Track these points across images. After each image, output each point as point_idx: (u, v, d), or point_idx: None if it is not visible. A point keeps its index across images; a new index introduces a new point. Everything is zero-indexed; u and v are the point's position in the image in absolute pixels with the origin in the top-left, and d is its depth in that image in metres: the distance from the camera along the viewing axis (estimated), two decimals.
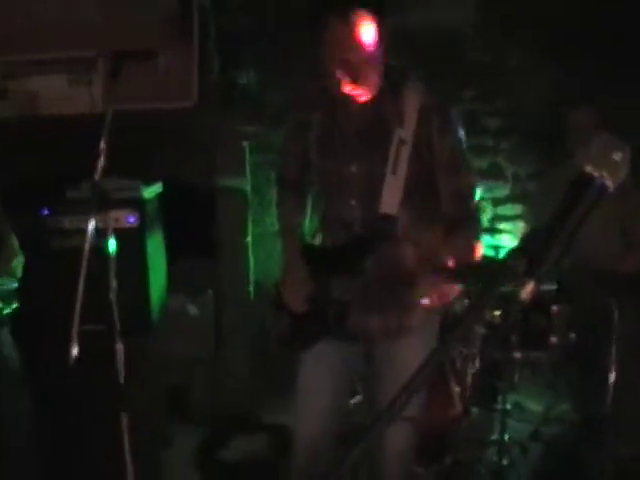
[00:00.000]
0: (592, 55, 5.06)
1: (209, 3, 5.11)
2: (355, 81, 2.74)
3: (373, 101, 2.86)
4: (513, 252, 1.42)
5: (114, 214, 3.77)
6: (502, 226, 5.70)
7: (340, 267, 2.99)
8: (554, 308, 4.16)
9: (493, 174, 5.67)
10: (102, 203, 3.38)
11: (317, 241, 3.24)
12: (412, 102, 2.85)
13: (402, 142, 2.82)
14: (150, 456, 4.00)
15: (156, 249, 4.76)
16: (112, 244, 3.37)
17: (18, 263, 3.88)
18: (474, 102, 5.40)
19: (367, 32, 2.68)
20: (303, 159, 3.12)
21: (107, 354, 3.36)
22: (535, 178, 5.48)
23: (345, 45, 2.67)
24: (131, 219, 4.44)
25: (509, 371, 4.25)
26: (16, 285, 3.84)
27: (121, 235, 3.63)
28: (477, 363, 4.26)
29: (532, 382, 4.68)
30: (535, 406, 4.85)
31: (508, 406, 4.27)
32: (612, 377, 3.97)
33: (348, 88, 2.78)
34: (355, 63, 2.70)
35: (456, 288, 2.84)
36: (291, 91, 4.72)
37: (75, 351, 3.19)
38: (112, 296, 3.35)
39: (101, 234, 3.39)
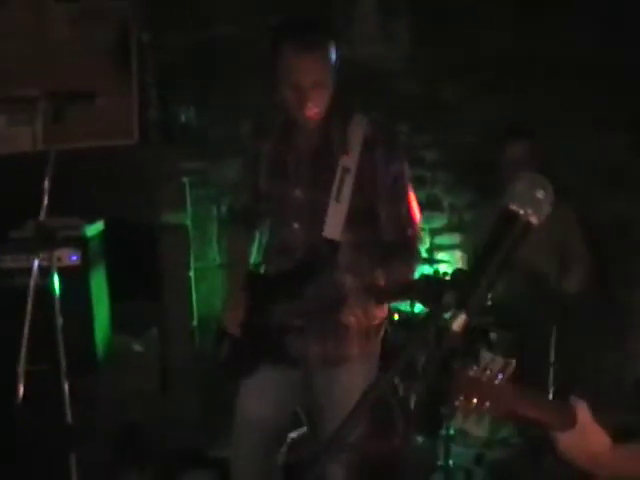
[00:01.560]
0: (527, 87, 5.21)
1: (148, 39, 5.14)
2: (304, 106, 2.83)
3: (321, 129, 2.95)
4: (444, 287, 1.50)
5: (58, 253, 3.76)
6: (440, 255, 5.80)
7: (280, 293, 3.03)
8: (492, 334, 4.24)
9: (430, 205, 5.77)
10: (46, 242, 3.40)
11: (261, 270, 3.29)
12: (358, 132, 2.94)
13: (346, 170, 2.90)
14: None
15: (100, 287, 4.75)
16: (56, 283, 3.39)
17: None
18: (410, 135, 5.50)
19: (319, 58, 2.81)
20: (255, 192, 3.17)
21: (54, 393, 3.36)
22: (471, 208, 5.58)
23: (297, 70, 2.78)
24: (74, 257, 4.43)
25: (451, 397, 4.31)
26: None
27: (65, 274, 3.65)
28: (419, 390, 4.31)
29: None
30: (478, 431, 4.92)
31: (452, 432, 4.34)
32: (550, 397, 4.06)
33: (296, 114, 2.88)
34: (305, 88, 2.79)
35: (384, 309, 2.96)
36: (239, 126, 4.80)
37: (21, 391, 3.20)
38: (58, 335, 3.35)
39: (44, 273, 3.40)
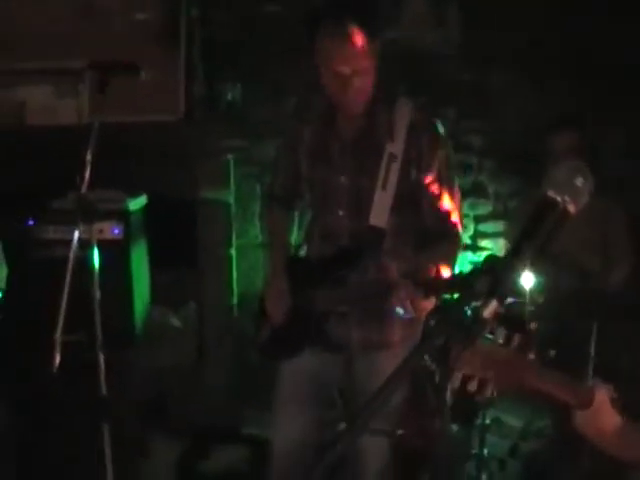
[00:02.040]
0: (579, 79, 5.13)
1: (196, 14, 5.13)
2: (345, 94, 2.80)
3: (365, 114, 2.91)
4: (476, 272, 1.47)
5: (98, 225, 3.78)
6: (483, 243, 5.75)
7: (323, 278, 3.01)
8: (532, 325, 4.19)
9: (476, 192, 5.72)
10: (87, 214, 3.41)
11: (302, 253, 3.27)
12: (403, 118, 2.91)
13: (393, 157, 2.88)
14: (131, 467, 4.01)
15: (140, 261, 4.78)
16: (95, 255, 3.39)
17: (2, 274, 3.90)
18: (457, 121, 5.45)
19: (358, 45, 2.73)
20: (294, 173, 3.16)
21: (89, 365, 3.37)
22: (516, 196, 5.53)
23: (336, 58, 2.73)
24: (116, 231, 4.46)
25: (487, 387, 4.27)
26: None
27: (105, 246, 3.66)
28: (456, 379, 4.28)
29: (511, 398, 4.71)
30: (514, 422, 4.88)
31: (487, 421, 4.30)
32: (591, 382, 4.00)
33: (339, 100, 2.86)
34: (346, 76, 2.75)
35: (432, 301, 2.86)
36: (283, 105, 4.78)
37: (57, 361, 3.22)
38: (95, 307, 3.36)
39: (85, 245, 3.41)
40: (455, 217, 3.05)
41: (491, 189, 5.72)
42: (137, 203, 4.73)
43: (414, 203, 2.99)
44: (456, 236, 3.09)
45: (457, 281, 2.84)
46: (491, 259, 1.48)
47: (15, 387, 4.09)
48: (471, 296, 1.44)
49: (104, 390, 3.37)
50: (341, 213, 3.02)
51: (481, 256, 5.81)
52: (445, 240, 3.04)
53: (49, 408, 4.11)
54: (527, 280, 3.92)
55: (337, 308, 3.01)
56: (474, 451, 4.37)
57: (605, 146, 4.80)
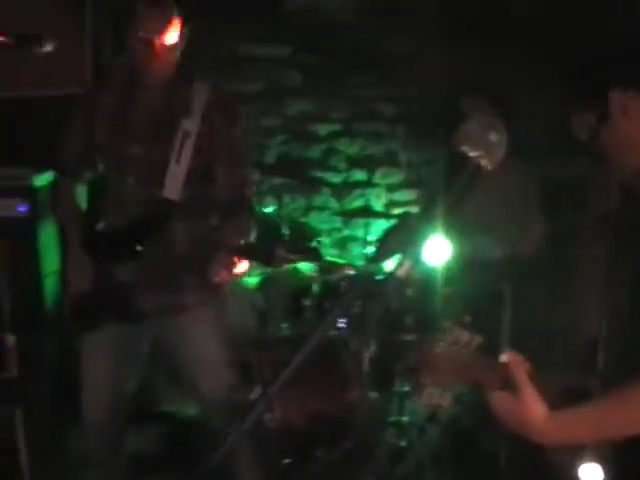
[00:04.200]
0: (487, 42, 5.16)
1: None
2: (155, 60, 3.00)
3: (165, 88, 3.13)
4: (389, 230, 1.45)
5: (4, 202, 3.68)
6: (396, 211, 5.76)
7: (120, 251, 3.15)
8: (447, 290, 4.23)
9: (387, 160, 5.73)
10: None
11: (97, 225, 3.36)
12: (200, 96, 3.13)
13: (187, 133, 3.09)
14: (47, 454, 3.93)
15: (49, 239, 4.65)
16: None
17: None
18: (366, 88, 5.44)
19: (172, 21, 3.01)
20: (88, 140, 3.25)
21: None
22: (428, 164, 5.55)
23: (152, 28, 2.97)
24: (21, 208, 4.33)
25: (405, 353, 4.30)
26: None
27: (12, 224, 3.55)
28: (373, 346, 4.30)
29: None
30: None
31: (406, 388, 4.33)
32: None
33: (144, 67, 3.05)
34: (157, 45, 2.97)
35: (245, 265, 3.11)
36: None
37: None
38: (3, 287, 3.29)
39: None
40: (249, 191, 3.32)
41: (403, 157, 5.73)
42: (44, 179, 4.59)
43: (209, 177, 3.21)
44: (249, 209, 3.33)
45: (257, 248, 3.12)
46: (405, 217, 1.46)
47: None
48: (384, 253, 1.42)
49: (15, 373, 3.29)
50: (131, 181, 3.16)
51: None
52: (240, 213, 3.25)
53: None
54: (442, 246, 3.94)
55: (135, 278, 3.13)
56: (393, 418, 4.40)
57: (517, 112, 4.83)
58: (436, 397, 1.74)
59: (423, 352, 1.70)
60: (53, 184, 4.65)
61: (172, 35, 3.01)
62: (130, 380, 3.42)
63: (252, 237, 3.24)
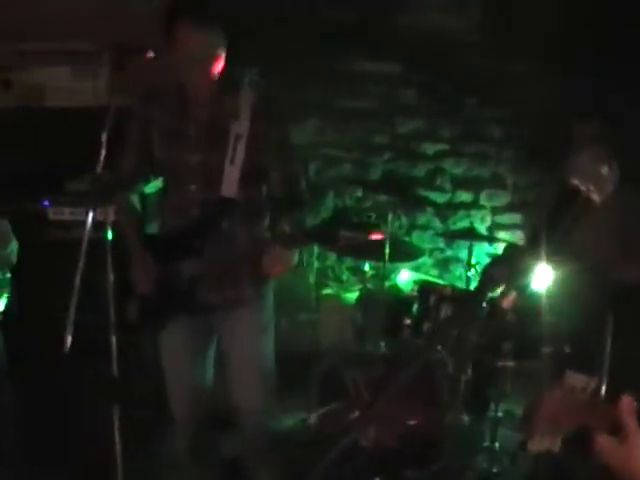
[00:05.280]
0: (600, 68, 5.07)
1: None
2: (203, 75, 3.16)
3: (213, 97, 3.27)
4: (495, 261, 1.44)
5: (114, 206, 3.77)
6: (500, 234, 5.71)
7: (182, 249, 3.30)
8: (547, 319, 4.16)
9: (494, 182, 5.68)
10: (101, 195, 3.40)
11: (154, 230, 3.58)
12: (247, 100, 3.29)
13: (238, 136, 3.25)
14: (142, 450, 4.00)
15: None
16: (109, 237, 3.39)
17: (13, 248, 3.92)
18: (477, 109, 5.41)
19: (212, 38, 3.13)
20: (144, 155, 3.40)
21: (101, 347, 3.37)
22: (535, 188, 5.48)
23: (201, 48, 3.11)
24: None
25: (501, 379, 4.26)
26: (9, 275, 3.86)
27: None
28: (470, 370, 4.26)
29: (524, 391, 4.68)
30: None
31: (500, 414, 4.28)
32: (604, 389, 3.97)
33: (192, 83, 3.21)
34: (202, 61, 3.13)
35: (293, 259, 3.22)
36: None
37: (69, 341, 3.21)
38: (109, 289, 3.36)
39: (100, 226, 3.40)
40: (301, 186, 3.47)
41: (510, 180, 5.68)
42: (153, 185, 4.68)
43: (263, 176, 3.38)
44: (304, 199, 3.49)
45: (315, 230, 3.26)
46: (511, 248, 1.45)
47: (26, 367, 4.09)
48: (490, 285, 1.41)
49: (115, 372, 3.36)
50: (193, 188, 3.32)
51: (497, 248, 5.79)
52: (295, 205, 3.43)
53: (61, 389, 4.11)
54: (545, 273, 3.89)
55: (198, 274, 3.29)
56: (485, 444, 4.35)
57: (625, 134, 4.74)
58: (547, 443, 1.71)
59: (539, 399, 1.67)
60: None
61: (217, 48, 3.16)
62: (207, 374, 3.58)
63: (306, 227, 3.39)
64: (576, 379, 1.69)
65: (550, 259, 1.43)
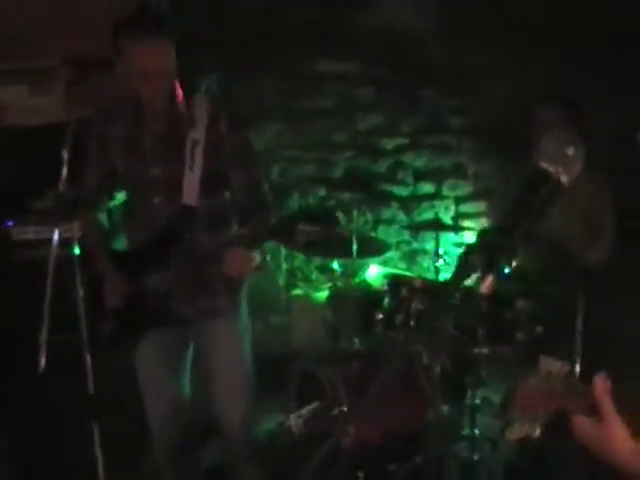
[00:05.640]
0: (556, 54, 5.12)
1: (166, 6, 5.07)
2: (153, 85, 3.14)
3: (168, 107, 3.25)
4: (471, 247, 1.46)
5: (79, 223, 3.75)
6: (465, 223, 5.74)
7: (149, 262, 3.29)
8: (520, 303, 4.19)
9: (456, 172, 5.71)
10: (66, 212, 3.39)
11: (120, 245, 3.56)
12: (202, 107, 3.29)
13: (195, 143, 3.24)
14: (124, 466, 3.98)
15: None
16: (77, 252, 3.37)
17: None
18: (436, 101, 5.43)
19: (159, 49, 3.10)
20: (107, 173, 3.40)
21: (76, 365, 3.35)
22: (497, 176, 5.52)
23: (145, 60, 3.08)
24: None
25: (476, 366, 4.28)
26: None
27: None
28: (445, 359, 4.27)
29: (500, 377, 4.71)
30: None
31: (477, 401, 4.30)
32: (577, 371, 4.01)
33: (146, 96, 3.18)
34: (152, 73, 3.09)
35: (255, 257, 3.26)
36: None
37: (43, 361, 3.19)
38: (80, 306, 3.34)
39: (66, 243, 3.39)
40: (264, 188, 3.45)
41: (471, 169, 5.71)
42: (118, 199, 4.66)
43: (223, 183, 3.36)
44: (267, 205, 3.46)
45: (277, 226, 3.27)
46: (484, 234, 1.46)
47: (4, 389, 4.06)
48: (467, 272, 1.43)
49: (92, 390, 3.35)
50: (157, 201, 3.31)
51: (463, 236, 5.83)
52: (256, 212, 3.39)
53: (37, 409, 4.08)
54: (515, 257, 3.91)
55: (168, 286, 3.28)
56: (465, 432, 4.37)
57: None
58: (526, 429, 1.73)
59: (515, 387, 1.69)
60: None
61: (165, 59, 3.13)
62: (184, 387, 3.57)
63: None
64: (550, 364, 1.71)
65: (521, 242, 1.44)
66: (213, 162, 3.27)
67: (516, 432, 1.75)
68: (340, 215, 4.75)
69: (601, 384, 1.76)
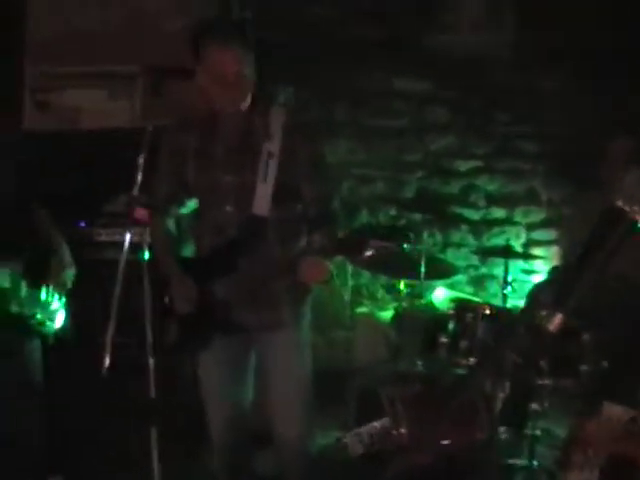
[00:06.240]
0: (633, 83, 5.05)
1: (249, 15, 5.13)
2: (232, 95, 3.18)
3: (244, 118, 3.28)
4: (542, 284, 1.44)
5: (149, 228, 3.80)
6: (535, 251, 5.67)
7: (217, 269, 3.31)
8: (585, 336, 4.13)
9: (528, 198, 5.65)
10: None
11: (192, 253, 3.56)
12: (278, 119, 3.29)
13: (270, 154, 3.25)
14: (179, 470, 4.01)
15: None
16: (146, 257, 3.41)
17: (69, 275, 4.03)
18: (510, 125, 5.39)
19: (239, 55, 3.15)
20: (178, 180, 3.41)
21: (139, 367, 3.39)
22: (571, 203, 5.45)
23: (225, 68, 3.12)
24: None
25: (539, 397, 4.23)
26: (63, 301, 3.93)
27: None
28: (507, 388, 4.23)
29: (562, 409, 4.65)
30: (564, 433, 4.81)
31: (537, 432, 4.25)
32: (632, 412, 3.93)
33: (222, 102, 3.21)
34: (232, 82, 3.13)
35: (329, 266, 3.22)
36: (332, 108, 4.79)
37: (107, 362, 3.23)
38: (146, 310, 3.37)
39: (136, 247, 3.43)
40: (335, 203, 3.45)
41: (544, 196, 5.65)
42: (190, 205, 4.72)
43: (295, 195, 3.35)
44: (335, 218, 3.44)
45: (347, 239, 3.27)
46: (557, 270, 1.44)
47: (65, 387, 4.12)
48: (537, 309, 1.41)
49: (153, 393, 3.37)
50: (228, 209, 3.32)
51: (533, 264, 5.76)
52: (328, 223, 3.37)
53: (98, 410, 4.13)
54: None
55: (234, 295, 3.30)
56: (523, 462, 4.31)
57: None
58: (587, 475, 1.71)
59: (577, 429, 1.67)
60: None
61: (245, 65, 3.16)
62: (246, 393, 3.57)
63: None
64: (614, 409, 1.69)
65: (594, 281, 1.42)
66: (287, 174, 3.28)
67: (575, 477, 1.73)
68: (411, 234, 4.73)
69: None
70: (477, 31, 5.34)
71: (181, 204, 3.53)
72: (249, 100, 3.24)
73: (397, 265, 4.63)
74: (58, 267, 4.02)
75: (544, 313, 1.41)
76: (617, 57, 5.10)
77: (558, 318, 1.41)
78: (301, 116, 3.49)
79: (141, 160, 3.34)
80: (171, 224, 3.57)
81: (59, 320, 3.95)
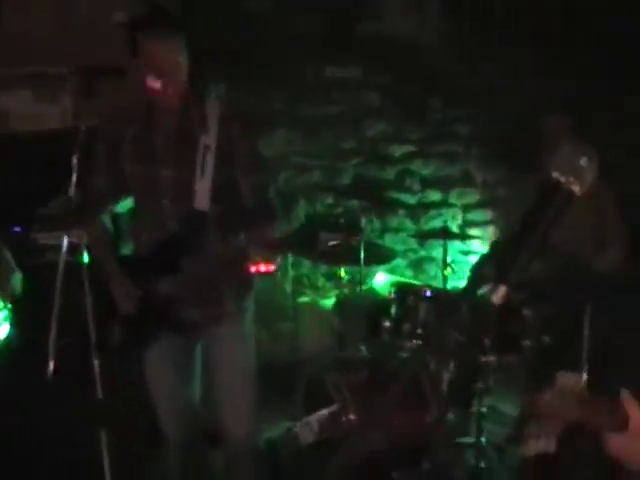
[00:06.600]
0: (568, 64, 5.13)
1: (178, 14, 5.10)
2: (166, 87, 3.17)
3: (180, 111, 3.29)
4: (483, 258, 1.46)
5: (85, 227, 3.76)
6: (472, 232, 5.73)
7: (159, 266, 3.29)
8: (527, 312, 4.19)
9: (463, 180, 5.71)
10: (73, 219, 3.39)
11: (131, 250, 3.54)
12: (214, 112, 3.31)
13: (207, 148, 3.26)
14: (131, 471, 3.98)
15: None
16: (85, 259, 3.38)
17: (17, 280, 3.97)
18: (443, 110, 5.44)
19: (175, 46, 3.19)
20: (114, 175, 3.38)
21: (84, 369, 3.36)
22: (505, 184, 5.52)
23: (160, 61, 3.15)
24: None
25: (484, 374, 4.28)
26: (9, 309, 3.87)
27: None
28: (452, 368, 4.28)
29: (507, 386, 4.71)
30: (511, 409, 4.88)
31: (484, 409, 4.30)
32: (584, 379, 4.00)
33: (159, 96, 3.20)
34: (167, 70, 3.16)
35: (277, 259, 3.37)
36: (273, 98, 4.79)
37: (52, 366, 3.20)
38: (88, 311, 3.35)
39: (75, 249, 3.40)
40: (270, 192, 3.48)
41: (479, 178, 5.72)
42: (125, 205, 4.67)
43: (234, 188, 3.37)
44: (273, 208, 3.46)
45: (294, 236, 3.35)
46: (497, 245, 1.47)
47: (11, 392, 4.07)
48: (479, 283, 1.43)
49: (100, 394, 3.35)
50: (166, 203, 3.31)
51: (470, 245, 5.83)
52: (267, 214, 3.41)
53: (45, 414, 4.09)
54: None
55: (177, 291, 3.28)
56: (472, 439, 4.37)
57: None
58: (543, 445, 1.74)
59: (532, 402, 1.69)
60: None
61: (181, 56, 3.20)
62: (193, 389, 3.58)
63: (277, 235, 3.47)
64: (567, 378, 1.72)
65: (534, 253, 1.45)
66: (224, 168, 3.29)
67: (532, 448, 1.75)
68: (363, 223, 4.76)
69: (628, 398, 1.77)
70: (406, 16, 5.37)
71: (117, 199, 3.51)
72: (185, 93, 3.25)
73: (337, 252, 4.65)
74: (6, 271, 3.95)
75: (487, 286, 1.43)
76: (550, 40, 5.17)
77: (502, 290, 1.44)
78: (237, 108, 3.44)
79: (75, 160, 3.31)
80: (108, 222, 3.54)
81: (3, 332, 3.89)
